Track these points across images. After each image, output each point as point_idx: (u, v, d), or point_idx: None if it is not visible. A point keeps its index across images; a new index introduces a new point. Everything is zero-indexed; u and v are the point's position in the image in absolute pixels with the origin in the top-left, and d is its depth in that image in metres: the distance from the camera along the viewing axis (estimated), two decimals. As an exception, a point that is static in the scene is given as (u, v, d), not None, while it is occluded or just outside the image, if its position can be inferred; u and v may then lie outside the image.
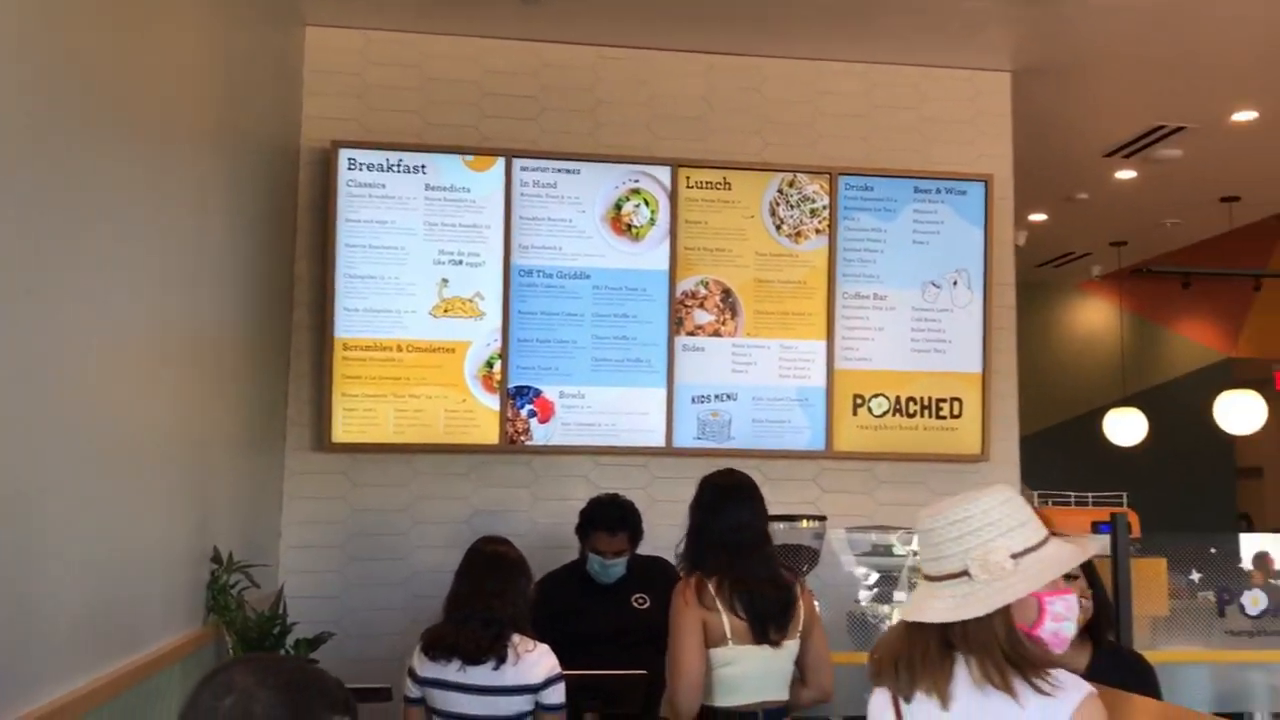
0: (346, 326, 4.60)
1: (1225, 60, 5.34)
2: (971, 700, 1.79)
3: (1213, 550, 3.51)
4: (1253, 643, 3.45)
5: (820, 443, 4.88)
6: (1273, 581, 3.72)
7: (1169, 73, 5.49)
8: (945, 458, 4.95)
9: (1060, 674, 1.78)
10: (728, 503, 3.05)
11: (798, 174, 4.91)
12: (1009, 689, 1.75)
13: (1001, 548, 1.82)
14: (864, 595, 4.18)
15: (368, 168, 4.66)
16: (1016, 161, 5.31)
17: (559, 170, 4.74)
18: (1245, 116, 6.02)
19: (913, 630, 1.86)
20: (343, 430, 4.57)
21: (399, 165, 4.68)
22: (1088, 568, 2.79)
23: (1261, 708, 3.38)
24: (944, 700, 1.80)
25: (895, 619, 1.97)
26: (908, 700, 1.85)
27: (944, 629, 1.82)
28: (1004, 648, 1.78)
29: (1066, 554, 1.86)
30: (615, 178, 4.78)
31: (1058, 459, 9.92)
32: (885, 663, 1.89)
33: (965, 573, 1.82)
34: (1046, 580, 1.82)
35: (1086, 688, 1.78)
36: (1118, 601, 3.32)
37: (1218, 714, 3.42)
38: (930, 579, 1.87)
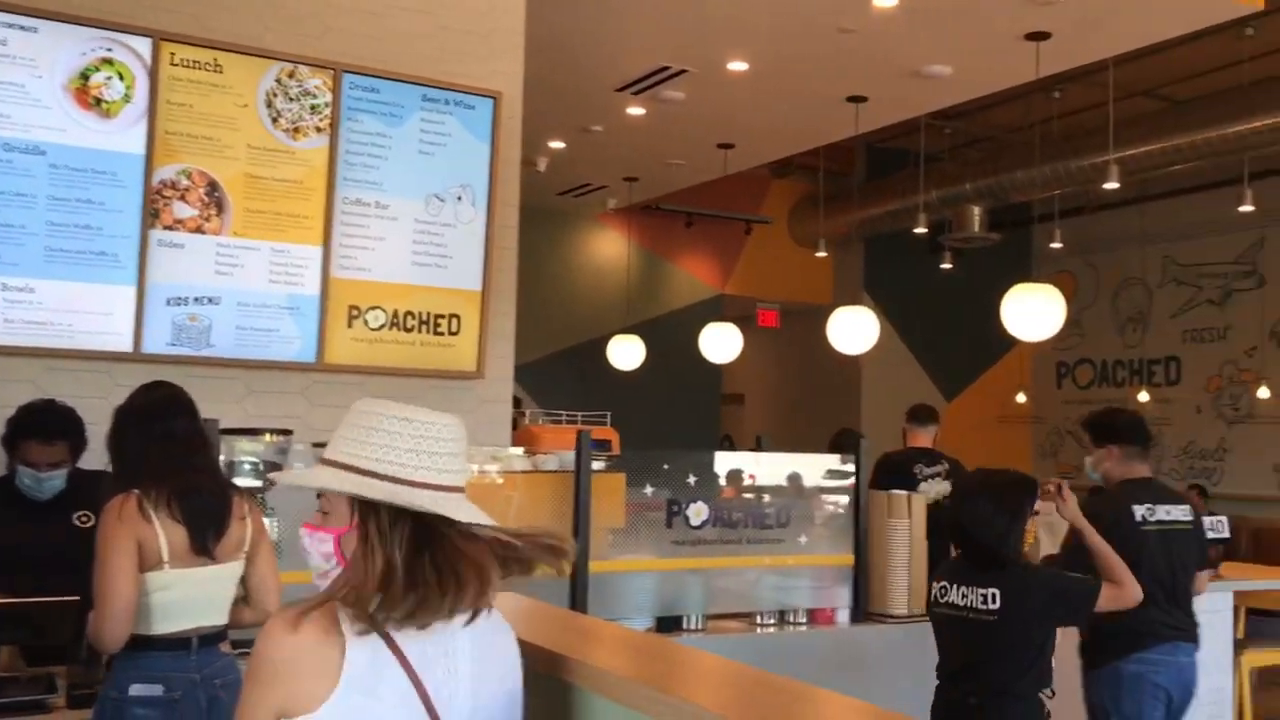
0: None
1: (722, 9, 5.68)
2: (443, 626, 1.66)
3: (665, 466, 3.75)
4: (694, 550, 3.73)
5: (311, 354, 4.64)
6: (745, 495, 4.02)
7: (674, 15, 5.76)
8: (441, 374, 4.91)
9: None
10: (161, 413, 2.79)
11: (299, 65, 4.58)
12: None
13: None
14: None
15: None
16: (536, 86, 5.34)
17: (10, 25, 4.07)
18: (739, 67, 6.48)
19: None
20: None
21: None
22: None
23: (696, 610, 3.69)
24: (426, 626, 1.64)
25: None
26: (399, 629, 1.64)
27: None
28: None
29: None
30: (82, 43, 4.18)
31: (568, 381, 10.39)
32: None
33: (462, 488, 1.72)
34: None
35: None
36: (577, 515, 3.46)
37: (660, 618, 3.69)
38: (438, 488, 1.69)
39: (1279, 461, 10.83)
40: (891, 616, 3.97)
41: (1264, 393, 10.58)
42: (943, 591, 3.29)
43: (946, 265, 11.41)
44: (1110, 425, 3.83)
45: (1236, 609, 5.20)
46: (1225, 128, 8.42)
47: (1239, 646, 5.26)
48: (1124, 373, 12.44)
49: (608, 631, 2.50)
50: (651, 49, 6.31)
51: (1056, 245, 10.69)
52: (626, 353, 9.74)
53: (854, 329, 7.17)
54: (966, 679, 3.23)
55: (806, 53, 6.28)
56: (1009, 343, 12.47)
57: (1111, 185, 8.25)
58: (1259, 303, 11.13)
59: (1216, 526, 5.55)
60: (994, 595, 3.16)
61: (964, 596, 3.23)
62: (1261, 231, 10.89)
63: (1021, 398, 12.86)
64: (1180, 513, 3.72)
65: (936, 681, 3.29)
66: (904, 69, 6.52)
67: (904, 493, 4.20)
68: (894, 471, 5.71)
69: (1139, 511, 3.62)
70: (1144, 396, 11.83)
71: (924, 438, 6.11)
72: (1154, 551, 3.60)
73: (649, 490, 3.66)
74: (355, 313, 4.74)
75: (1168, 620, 3.62)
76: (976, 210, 10.39)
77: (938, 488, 5.87)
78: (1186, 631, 3.68)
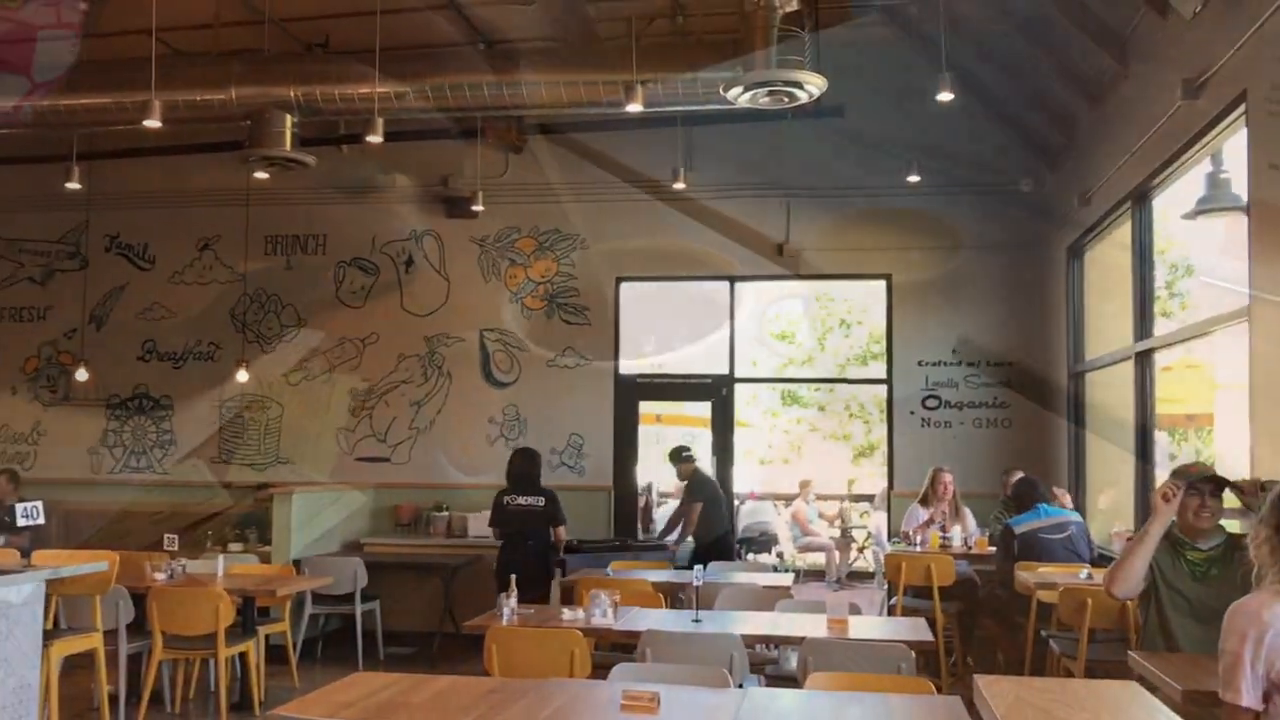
0: None
1: None
2: None
3: None
4: None
5: None
6: None
7: None
8: None
9: None
10: None
11: None
12: None
13: None
14: None
15: None
16: None
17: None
18: None
19: None
20: None
21: None
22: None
23: None
24: None
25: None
26: None
27: None
28: None
29: None
30: None
31: None
32: None
33: None
34: None
35: None
36: None
37: None
38: None
39: (94, 445, 10.89)
40: None
41: (83, 374, 10.53)
42: (512, 499, 7.93)
43: None
44: None
45: (50, 599, 4.96)
46: (54, 100, 8.12)
47: (48, 637, 5.02)
48: (-66, 351, 11.33)
49: None
50: None
51: None
52: None
53: None
54: (524, 535, 7.84)
55: None
56: None
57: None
58: (81, 284, 11.08)
59: (30, 513, 5.25)
60: (540, 499, 7.91)
61: (524, 499, 7.89)
62: (87, 213, 10.87)
63: None
64: None
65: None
66: None
67: None
68: None
69: None
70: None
71: None
72: None
73: None
74: None
75: None
76: None
77: None
78: None
